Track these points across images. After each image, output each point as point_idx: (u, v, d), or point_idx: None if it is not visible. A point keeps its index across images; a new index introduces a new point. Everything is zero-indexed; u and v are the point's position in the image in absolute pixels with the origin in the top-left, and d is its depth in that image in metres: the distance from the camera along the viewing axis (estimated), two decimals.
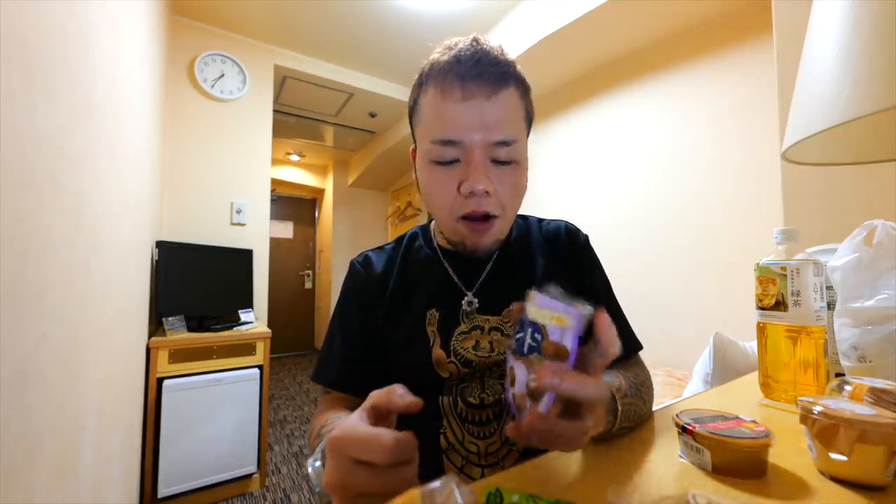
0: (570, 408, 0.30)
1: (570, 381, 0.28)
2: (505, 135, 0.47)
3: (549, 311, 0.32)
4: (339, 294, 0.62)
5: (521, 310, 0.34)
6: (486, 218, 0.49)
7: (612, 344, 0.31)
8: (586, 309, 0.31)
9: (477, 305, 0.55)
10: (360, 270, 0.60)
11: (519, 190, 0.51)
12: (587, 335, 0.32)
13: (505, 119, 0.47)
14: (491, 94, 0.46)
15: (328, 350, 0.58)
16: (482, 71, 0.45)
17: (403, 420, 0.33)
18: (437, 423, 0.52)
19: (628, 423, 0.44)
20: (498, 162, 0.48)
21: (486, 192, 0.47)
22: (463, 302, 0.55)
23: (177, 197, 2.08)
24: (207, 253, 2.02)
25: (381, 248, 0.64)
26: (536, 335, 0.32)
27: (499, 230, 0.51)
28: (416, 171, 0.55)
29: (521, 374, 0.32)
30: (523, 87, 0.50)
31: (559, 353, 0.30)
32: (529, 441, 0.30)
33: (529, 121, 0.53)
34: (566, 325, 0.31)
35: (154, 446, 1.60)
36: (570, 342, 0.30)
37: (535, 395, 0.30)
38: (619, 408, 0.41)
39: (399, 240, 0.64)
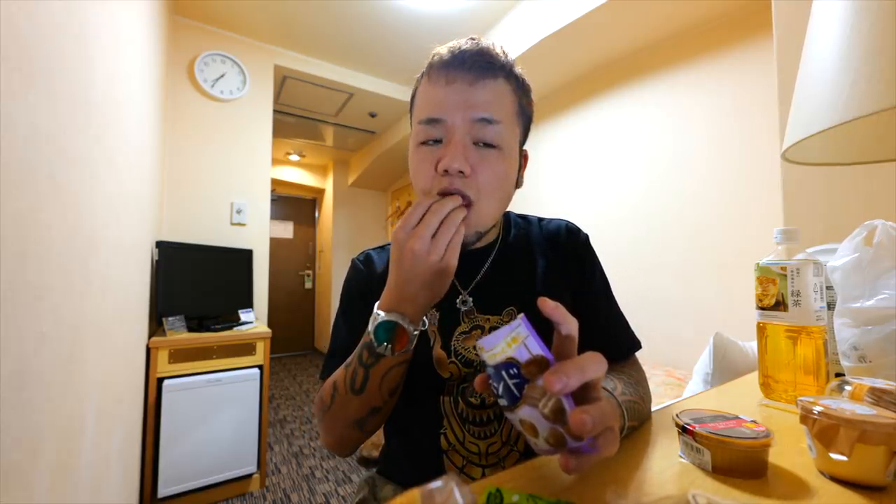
0: (586, 394, 0.30)
1: (572, 371, 0.28)
2: (487, 113, 0.47)
3: (502, 343, 0.30)
4: (340, 293, 0.62)
5: (483, 370, 0.32)
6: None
7: (564, 314, 0.32)
8: (520, 311, 0.30)
9: (471, 304, 0.54)
10: (361, 269, 0.61)
11: (499, 178, 0.49)
12: (548, 329, 0.31)
13: (488, 101, 0.47)
14: (474, 80, 0.47)
15: (334, 347, 0.58)
16: (465, 59, 0.47)
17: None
18: (437, 424, 0.52)
19: (633, 421, 0.43)
20: (481, 144, 0.47)
21: (461, 172, 0.46)
22: (457, 301, 0.55)
23: (177, 197, 2.08)
24: (207, 253, 2.02)
25: (381, 248, 0.64)
26: (512, 370, 0.30)
27: (472, 216, 0.47)
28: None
29: (531, 412, 0.30)
30: (517, 83, 0.51)
31: (540, 364, 0.29)
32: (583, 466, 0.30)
33: (525, 118, 0.53)
34: (522, 337, 0.29)
35: (154, 446, 1.60)
36: (537, 347, 0.29)
37: (557, 415, 0.28)
38: (623, 407, 0.41)
39: None
